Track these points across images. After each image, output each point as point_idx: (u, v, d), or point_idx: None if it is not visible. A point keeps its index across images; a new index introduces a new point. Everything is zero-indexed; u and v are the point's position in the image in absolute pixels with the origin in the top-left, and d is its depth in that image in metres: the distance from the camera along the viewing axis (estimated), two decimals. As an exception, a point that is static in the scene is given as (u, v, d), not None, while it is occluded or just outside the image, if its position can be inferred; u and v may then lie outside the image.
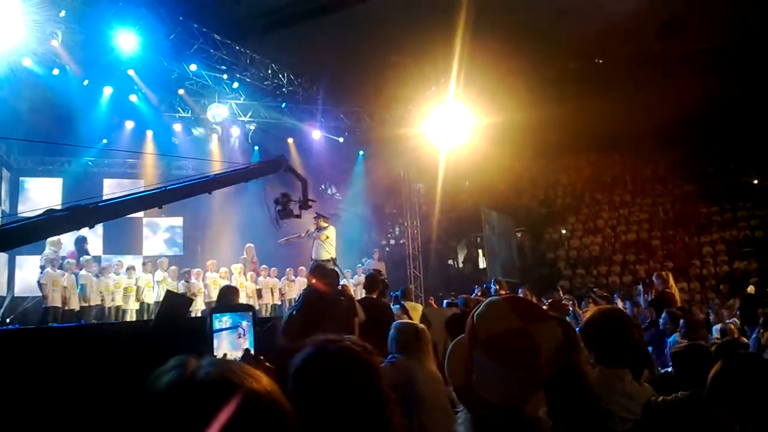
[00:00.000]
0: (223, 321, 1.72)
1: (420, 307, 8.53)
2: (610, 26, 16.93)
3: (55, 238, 11.32)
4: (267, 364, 1.47)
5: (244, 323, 1.53)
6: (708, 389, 2.42)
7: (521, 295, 9.56)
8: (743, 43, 19.29)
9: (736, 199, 22.35)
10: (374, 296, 6.87)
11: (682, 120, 20.73)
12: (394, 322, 4.11)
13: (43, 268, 10.74)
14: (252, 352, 1.57)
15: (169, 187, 6.94)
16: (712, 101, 19.87)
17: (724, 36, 19.42)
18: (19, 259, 13.96)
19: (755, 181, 22.84)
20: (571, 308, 10.23)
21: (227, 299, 6.12)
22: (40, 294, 10.82)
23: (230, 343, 1.51)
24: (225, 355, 1.50)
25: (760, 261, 19.25)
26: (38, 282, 10.69)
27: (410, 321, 4.17)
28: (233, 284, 11.44)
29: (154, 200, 7.00)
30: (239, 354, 1.51)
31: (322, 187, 19.07)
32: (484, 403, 1.39)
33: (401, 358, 3.84)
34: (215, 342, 1.91)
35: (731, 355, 2.49)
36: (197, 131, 15.98)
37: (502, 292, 10.22)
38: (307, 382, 1.41)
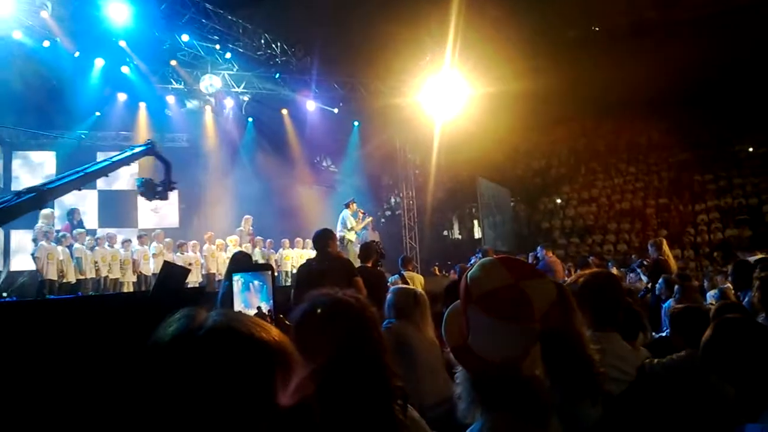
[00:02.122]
0: (236, 280, 1.77)
1: (418, 277, 8.59)
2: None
3: (47, 211, 11.33)
4: (286, 322, 1.51)
5: (256, 282, 1.56)
6: (701, 354, 2.46)
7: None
8: (737, 10, 19.16)
9: (731, 167, 22.41)
10: (369, 265, 6.93)
11: (677, 88, 20.65)
12: (392, 287, 4.11)
13: (36, 241, 10.73)
14: (265, 309, 1.61)
15: (86, 171, 7.84)
16: (706, 69, 19.79)
17: (718, 3, 19.28)
18: (14, 233, 13.95)
19: (750, 149, 22.87)
20: (567, 276, 10.41)
21: (241, 264, 6.09)
22: (35, 267, 10.83)
23: (243, 302, 1.55)
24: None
25: (753, 228, 19.37)
26: (32, 255, 10.69)
27: (408, 286, 4.16)
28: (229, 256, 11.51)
29: (72, 185, 7.64)
30: (252, 312, 1.55)
31: (317, 158, 19.02)
32: (481, 361, 1.42)
33: (397, 323, 3.85)
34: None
35: (722, 321, 2.53)
36: (191, 103, 15.87)
37: None
38: (303, 334, 1.44)
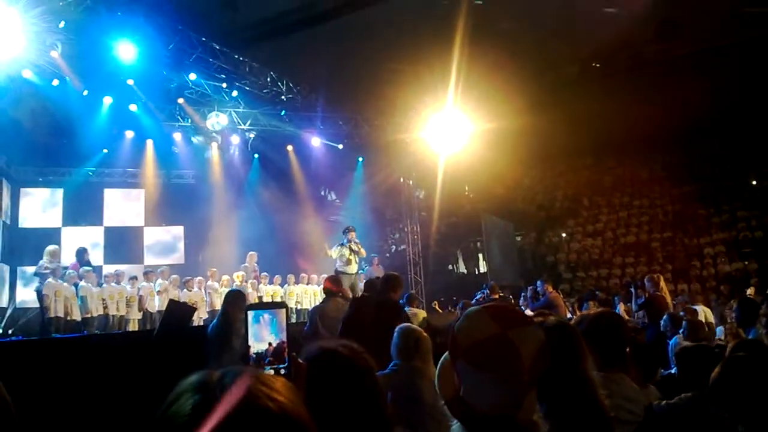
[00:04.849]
0: (248, 315, 1.81)
1: (421, 313, 8.56)
2: (607, 31, 17.02)
3: (52, 248, 11.34)
4: (299, 360, 1.55)
5: (266, 315, 1.61)
6: (709, 391, 2.46)
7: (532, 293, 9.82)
8: (739, 44, 19.38)
9: (735, 200, 22.40)
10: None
11: (679, 122, 20.80)
12: (398, 326, 4.12)
13: (41, 277, 10.70)
14: (275, 343, 1.66)
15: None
16: (708, 103, 19.95)
17: (719, 38, 19.50)
18: (20, 270, 13.99)
19: (753, 182, 22.91)
20: (570, 312, 10.39)
21: (237, 304, 6.08)
22: (41, 305, 10.78)
23: (254, 335, 1.60)
24: (249, 347, 1.60)
25: (759, 261, 19.29)
26: (38, 292, 10.64)
27: (413, 326, 4.17)
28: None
29: None
30: (263, 346, 1.60)
31: (322, 194, 19.11)
32: (476, 413, 1.42)
33: (402, 364, 3.86)
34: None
35: (731, 358, 2.53)
36: (197, 140, 16.03)
37: (495, 296, 10.44)
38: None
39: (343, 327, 5.79)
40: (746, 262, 19.58)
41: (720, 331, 9.01)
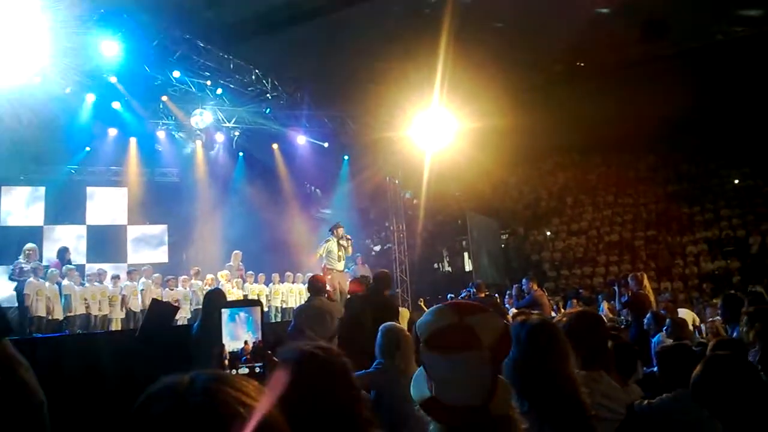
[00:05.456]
0: (223, 312, 1.78)
1: (407, 312, 8.55)
2: (593, 30, 17.09)
3: (29, 246, 11.23)
4: (274, 358, 1.54)
5: (242, 314, 1.59)
6: (691, 390, 2.47)
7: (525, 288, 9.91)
8: (723, 44, 19.53)
9: (718, 198, 22.62)
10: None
11: (664, 121, 20.93)
12: (381, 325, 4.12)
13: (21, 277, 10.57)
14: (251, 342, 1.64)
15: None
16: (693, 103, 20.08)
17: (703, 38, 19.65)
18: (0, 268, 13.82)
19: (736, 181, 23.13)
20: (554, 310, 10.46)
21: (216, 303, 6.04)
22: (21, 304, 10.64)
23: (229, 334, 1.58)
24: (224, 346, 1.59)
25: (741, 260, 19.49)
26: (20, 291, 10.53)
27: (397, 325, 4.17)
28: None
29: None
30: (239, 344, 1.58)
31: (307, 192, 19.04)
32: (449, 409, 1.43)
33: (386, 363, 3.87)
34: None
35: (711, 357, 2.55)
36: (180, 135, 15.91)
37: (481, 295, 10.52)
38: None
39: (342, 328, 5.78)
40: (728, 261, 19.78)
41: (705, 328, 9.08)
